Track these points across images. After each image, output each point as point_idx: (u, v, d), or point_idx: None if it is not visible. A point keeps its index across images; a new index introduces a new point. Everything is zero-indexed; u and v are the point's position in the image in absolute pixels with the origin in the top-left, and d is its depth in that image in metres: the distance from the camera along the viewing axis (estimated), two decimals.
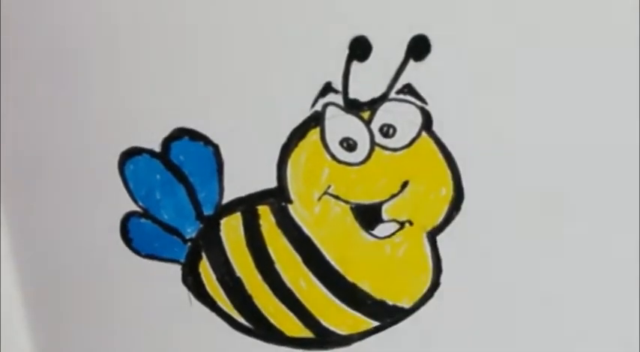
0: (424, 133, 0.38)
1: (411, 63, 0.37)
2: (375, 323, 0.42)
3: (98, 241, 0.43)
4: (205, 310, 0.43)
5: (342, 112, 0.38)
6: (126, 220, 0.42)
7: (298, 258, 0.41)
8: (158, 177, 0.41)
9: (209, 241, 0.41)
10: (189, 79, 0.39)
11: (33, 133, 0.41)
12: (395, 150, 0.38)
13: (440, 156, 0.38)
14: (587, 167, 0.37)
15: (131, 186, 0.41)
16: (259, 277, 0.42)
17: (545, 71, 0.36)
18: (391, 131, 0.38)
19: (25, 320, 0.46)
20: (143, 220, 0.42)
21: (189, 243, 0.42)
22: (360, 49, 0.37)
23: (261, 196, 0.40)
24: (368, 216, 0.40)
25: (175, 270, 0.43)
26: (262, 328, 0.43)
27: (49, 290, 0.45)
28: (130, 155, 0.41)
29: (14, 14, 0.39)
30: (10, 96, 0.41)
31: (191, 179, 0.40)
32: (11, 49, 0.40)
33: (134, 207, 0.42)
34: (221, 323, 0.43)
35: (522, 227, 0.39)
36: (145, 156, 0.40)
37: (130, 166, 0.41)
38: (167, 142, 0.40)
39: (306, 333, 0.42)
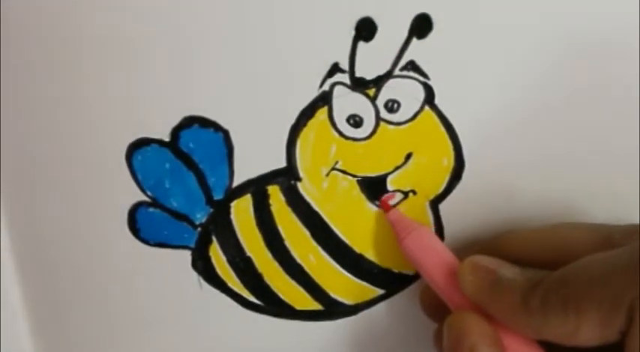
0: (427, 107, 0.39)
1: (414, 41, 0.38)
2: (381, 292, 0.43)
3: (105, 232, 0.42)
4: (215, 292, 0.43)
5: (348, 91, 0.39)
6: (134, 210, 0.41)
7: (307, 234, 0.41)
8: (167, 165, 0.40)
9: (219, 225, 0.41)
10: (197, 66, 0.39)
11: (39, 125, 0.40)
12: (399, 124, 0.39)
13: (442, 128, 0.39)
14: (585, 137, 0.40)
15: (139, 176, 0.41)
16: (269, 255, 0.42)
17: (547, 46, 0.38)
18: (395, 106, 0.39)
19: (31, 312, 0.44)
20: (152, 209, 0.41)
21: (199, 229, 0.41)
22: (365, 29, 0.38)
23: (271, 176, 0.40)
24: (374, 188, 0.41)
25: (185, 256, 0.42)
26: (272, 304, 0.43)
27: (53, 283, 0.44)
28: (138, 146, 0.40)
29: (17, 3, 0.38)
30: (15, 86, 0.40)
31: (201, 166, 0.40)
32: (14, 38, 0.39)
33: (142, 197, 0.41)
34: (231, 302, 0.43)
35: (520, 194, 0.41)
36: (154, 146, 0.40)
37: (137, 157, 0.40)
38: (176, 131, 0.40)
39: (315, 306, 0.43)
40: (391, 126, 0.39)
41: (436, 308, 0.39)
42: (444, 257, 0.38)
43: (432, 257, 0.38)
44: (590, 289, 0.30)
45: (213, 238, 0.42)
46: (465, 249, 0.39)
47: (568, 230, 0.36)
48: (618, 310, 0.29)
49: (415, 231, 0.38)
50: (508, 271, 0.34)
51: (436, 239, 0.39)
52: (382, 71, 0.38)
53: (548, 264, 0.34)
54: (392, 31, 0.37)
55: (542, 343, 0.34)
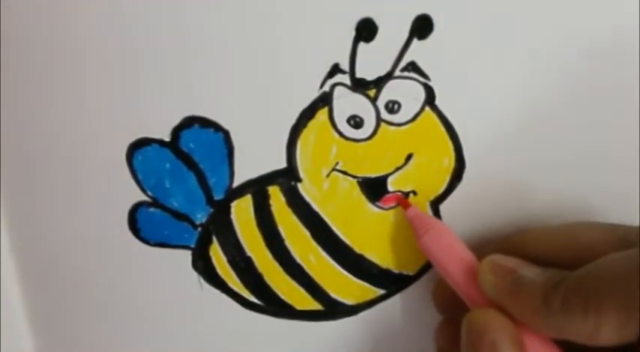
0: (427, 108, 0.39)
1: (415, 41, 0.38)
2: (382, 292, 0.43)
3: (105, 232, 0.42)
4: (216, 292, 0.43)
5: (349, 91, 0.39)
6: (134, 210, 0.41)
7: (307, 234, 0.41)
8: (168, 165, 0.40)
9: (220, 225, 0.41)
10: (197, 67, 0.38)
11: (40, 125, 0.40)
12: (400, 125, 0.39)
13: (442, 128, 0.39)
14: (586, 137, 0.39)
15: (140, 176, 0.40)
16: (270, 255, 0.42)
17: (547, 46, 0.37)
18: (396, 107, 0.39)
19: (31, 312, 0.44)
20: (152, 209, 0.41)
21: (199, 229, 0.41)
22: (366, 30, 0.37)
23: (271, 177, 0.40)
24: (374, 188, 0.40)
25: (185, 256, 0.42)
26: (272, 304, 0.43)
27: (53, 282, 0.44)
28: (138, 146, 0.40)
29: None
30: (15, 86, 0.39)
31: (201, 166, 0.40)
32: (14, 38, 0.39)
33: (142, 197, 0.41)
34: (232, 302, 0.43)
35: (521, 194, 0.40)
36: (155, 146, 0.40)
37: (138, 157, 0.40)
38: (177, 131, 0.39)
39: (316, 306, 0.43)
40: (392, 127, 0.39)
41: (449, 304, 0.39)
42: (462, 254, 0.37)
43: (451, 254, 0.38)
44: (610, 289, 0.30)
45: (214, 238, 0.42)
46: (481, 247, 0.39)
47: (584, 230, 0.36)
48: (638, 310, 0.29)
49: (434, 228, 0.38)
50: (528, 271, 0.34)
51: (454, 236, 0.38)
52: (383, 72, 0.38)
53: (564, 263, 0.34)
54: (392, 32, 0.37)
55: (560, 342, 0.34)
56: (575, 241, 0.35)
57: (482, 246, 0.39)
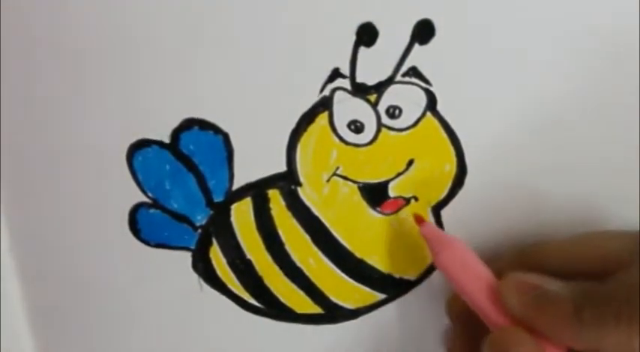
0: (429, 113, 0.38)
1: (416, 46, 0.37)
2: (382, 296, 0.42)
3: (105, 233, 0.42)
4: (216, 294, 0.43)
5: (349, 96, 0.38)
6: (134, 211, 0.41)
7: (308, 238, 0.41)
8: (168, 167, 0.40)
9: (220, 227, 0.41)
10: (198, 69, 0.38)
11: (40, 125, 0.40)
12: (401, 130, 0.39)
13: (444, 134, 0.39)
14: (585, 143, 0.39)
15: (140, 177, 0.40)
16: (269, 259, 0.41)
17: (549, 51, 0.37)
18: (397, 112, 0.38)
19: (31, 312, 0.44)
20: (152, 210, 0.41)
21: (199, 230, 0.41)
22: (367, 34, 0.37)
23: (271, 180, 0.40)
24: (375, 194, 0.40)
25: (185, 257, 0.42)
26: (272, 307, 0.43)
27: (53, 283, 0.44)
28: (138, 147, 0.40)
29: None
30: (15, 86, 0.39)
31: (201, 168, 0.40)
32: (14, 38, 0.38)
33: (143, 198, 0.41)
34: (232, 305, 0.43)
35: (522, 200, 0.40)
36: (155, 147, 0.40)
37: (138, 158, 0.40)
38: (177, 133, 0.39)
39: (316, 309, 0.42)
40: (392, 132, 0.39)
41: (463, 316, 0.38)
42: (479, 273, 0.37)
43: (468, 273, 0.37)
44: None
45: (214, 240, 0.41)
46: (495, 260, 0.38)
47: (602, 239, 0.36)
48: None
49: (450, 247, 0.37)
50: (552, 285, 0.34)
51: (471, 253, 0.37)
52: (383, 77, 0.38)
53: (583, 274, 0.34)
54: (394, 37, 0.37)
55: None
56: (594, 251, 0.35)
57: (497, 259, 0.39)
